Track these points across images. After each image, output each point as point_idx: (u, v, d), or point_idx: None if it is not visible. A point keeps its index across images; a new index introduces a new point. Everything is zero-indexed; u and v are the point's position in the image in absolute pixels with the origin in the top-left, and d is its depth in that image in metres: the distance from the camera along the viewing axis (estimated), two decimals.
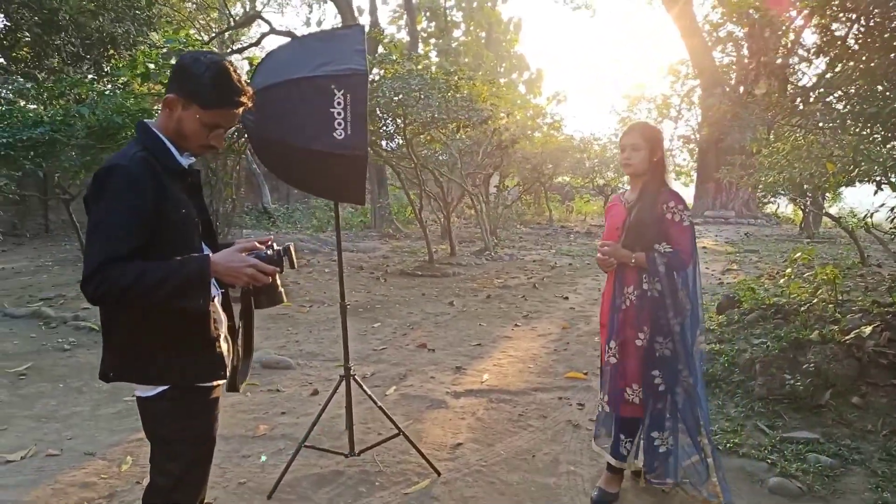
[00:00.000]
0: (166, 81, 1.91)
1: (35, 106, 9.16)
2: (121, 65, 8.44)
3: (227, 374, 1.98)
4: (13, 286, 8.25)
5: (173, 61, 6.87)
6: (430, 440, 3.72)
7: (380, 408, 3.34)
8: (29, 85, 9.46)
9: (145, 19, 12.93)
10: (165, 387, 1.83)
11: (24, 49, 12.80)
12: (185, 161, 1.90)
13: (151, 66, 7.51)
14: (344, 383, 3.26)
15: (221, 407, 2.05)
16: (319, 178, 3.01)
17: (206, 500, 2.03)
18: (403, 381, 4.80)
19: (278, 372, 4.99)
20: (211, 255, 1.79)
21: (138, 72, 7.45)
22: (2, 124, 6.94)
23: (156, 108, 7.19)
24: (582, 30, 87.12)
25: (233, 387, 2.10)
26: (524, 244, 14.33)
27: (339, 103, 2.81)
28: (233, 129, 2.49)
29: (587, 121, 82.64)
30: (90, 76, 12.48)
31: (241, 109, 1.88)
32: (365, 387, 3.32)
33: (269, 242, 1.91)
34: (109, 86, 10.59)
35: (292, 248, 1.92)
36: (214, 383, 1.95)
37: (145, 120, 1.90)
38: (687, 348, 2.83)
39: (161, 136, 1.84)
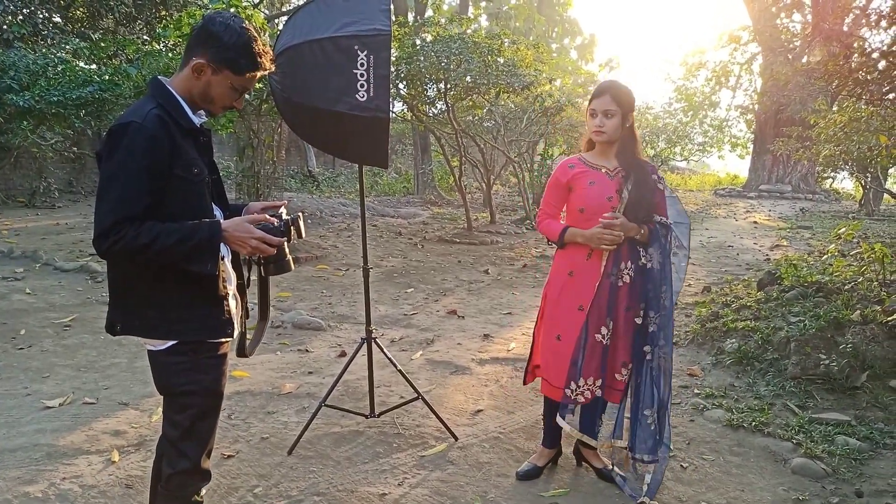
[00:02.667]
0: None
1: (89, 66, 9.42)
2: (169, 25, 8.56)
3: (235, 332, 2.01)
4: (66, 241, 8.58)
5: None
6: (450, 405, 3.75)
7: (399, 371, 3.36)
8: (83, 45, 9.67)
9: None
10: (174, 341, 1.87)
11: (80, 9, 13.07)
12: (198, 120, 1.92)
13: None
14: (365, 346, 3.30)
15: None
16: (342, 139, 3.00)
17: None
18: (430, 347, 4.83)
19: (309, 333, 5.09)
20: (221, 222, 1.85)
21: (184, 32, 7.54)
22: (54, 83, 7.15)
23: None
24: None
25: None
26: None
27: (362, 64, 2.78)
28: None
29: (641, 89, 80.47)
30: (143, 37, 12.71)
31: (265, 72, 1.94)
32: (386, 350, 3.34)
33: (279, 212, 1.95)
34: (159, 46, 10.79)
35: (301, 219, 1.96)
36: (222, 340, 1.98)
37: (159, 77, 1.92)
38: (672, 321, 2.75)
39: (176, 94, 1.86)
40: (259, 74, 1.92)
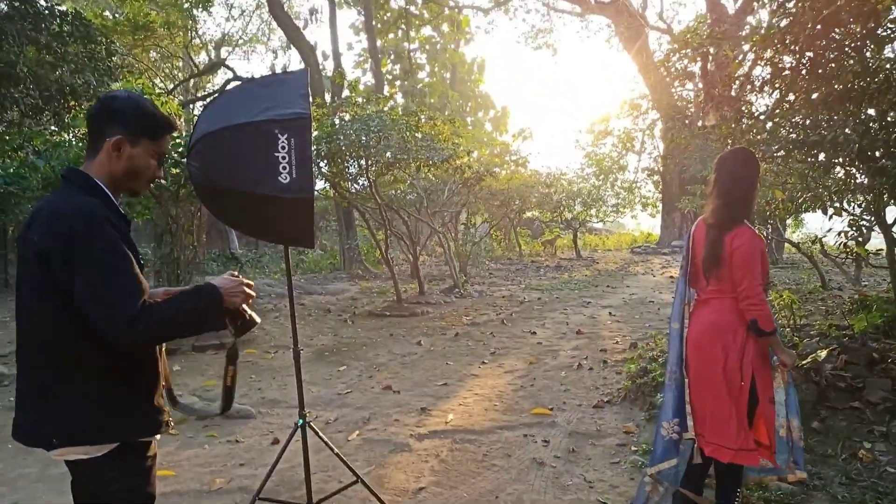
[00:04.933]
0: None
1: None
2: (79, 115, 8.38)
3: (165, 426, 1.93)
4: None
5: None
6: (391, 485, 3.64)
7: (337, 455, 3.26)
8: None
9: (105, 70, 12.85)
10: (114, 445, 1.77)
11: None
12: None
13: None
14: (300, 432, 3.18)
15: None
16: (267, 222, 2.98)
17: None
18: (367, 425, 4.71)
19: (238, 422, 4.87)
20: (209, 281, 1.93)
21: None
22: None
23: None
24: (546, 68, 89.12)
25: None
26: (494, 280, 14.35)
27: (283, 147, 2.79)
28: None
29: (554, 156, 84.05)
30: (51, 127, 12.34)
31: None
32: (322, 434, 3.23)
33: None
34: (68, 136, 10.49)
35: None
36: (155, 438, 1.91)
37: (76, 168, 1.87)
38: None
39: (104, 187, 1.82)
40: (169, 138, 1.96)
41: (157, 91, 8.54)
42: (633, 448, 4.06)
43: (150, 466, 1.90)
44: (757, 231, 2.86)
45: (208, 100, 18.25)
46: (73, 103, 12.74)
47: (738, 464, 2.81)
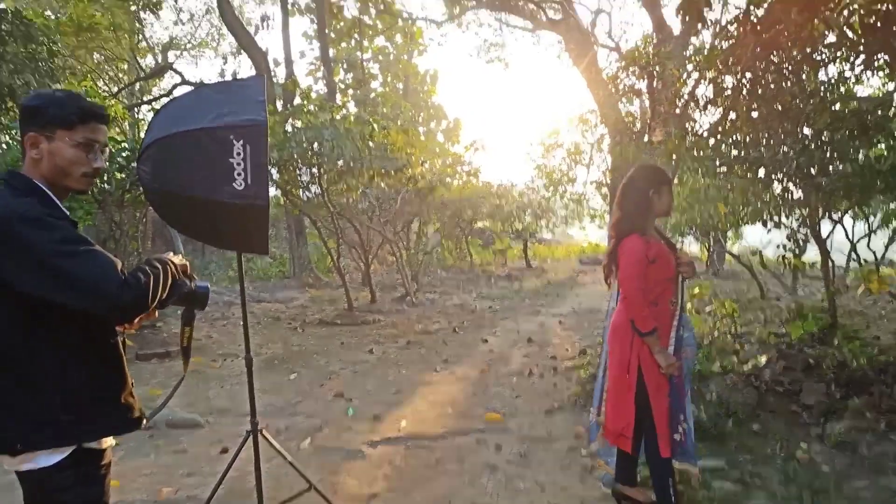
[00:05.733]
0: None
1: None
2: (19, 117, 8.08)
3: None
4: None
5: None
6: (345, 492, 3.63)
7: (290, 462, 3.23)
8: None
9: (47, 71, 12.40)
10: (71, 449, 1.73)
11: None
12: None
13: None
14: (251, 440, 3.15)
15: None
16: (221, 229, 2.95)
17: None
18: (319, 433, 4.68)
19: (185, 431, 4.76)
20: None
21: None
22: None
23: None
24: (498, 81, 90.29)
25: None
26: (445, 289, 14.41)
27: (238, 153, 2.77)
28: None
29: (505, 167, 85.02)
30: None
31: (105, 125, 1.87)
32: (273, 441, 3.21)
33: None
34: (6, 138, 10.09)
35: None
36: (109, 443, 1.88)
37: (15, 170, 1.82)
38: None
39: (43, 187, 1.77)
40: (101, 126, 1.83)
41: (102, 94, 8.30)
42: (583, 452, 4.15)
43: (105, 475, 1.87)
44: (649, 240, 3.05)
45: (154, 104, 17.86)
46: (11, 104, 12.29)
47: (665, 456, 3.04)
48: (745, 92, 5.09)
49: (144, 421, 1.92)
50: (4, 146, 7.67)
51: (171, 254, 1.98)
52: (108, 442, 1.88)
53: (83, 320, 1.73)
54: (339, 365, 7.00)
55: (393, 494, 3.60)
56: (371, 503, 3.50)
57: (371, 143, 9.12)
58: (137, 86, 20.98)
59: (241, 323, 3.28)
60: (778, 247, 5.61)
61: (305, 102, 10.65)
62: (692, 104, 6.66)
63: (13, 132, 9.86)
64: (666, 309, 3.05)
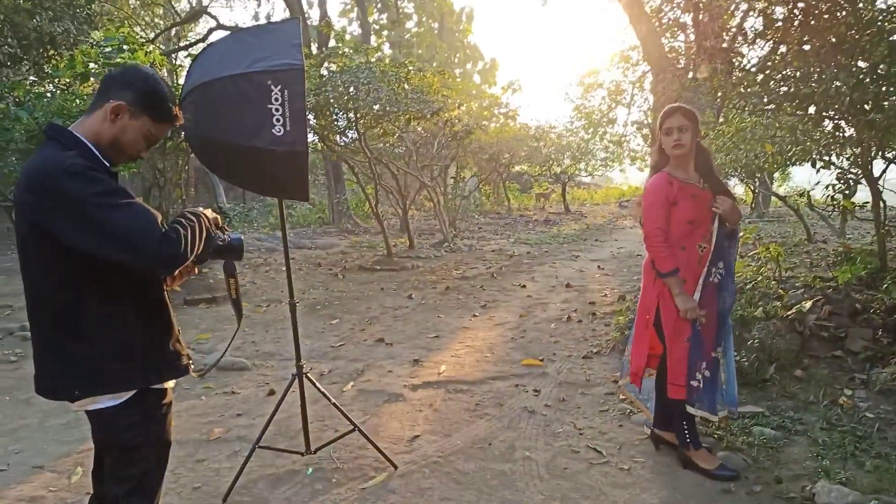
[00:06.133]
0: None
1: None
2: (60, 65, 8.16)
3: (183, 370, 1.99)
4: None
5: (118, 60, 6.71)
6: (386, 434, 3.73)
7: (334, 404, 3.33)
8: None
9: (85, 17, 12.49)
10: (132, 392, 1.82)
11: None
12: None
13: (92, 65, 7.29)
14: (297, 382, 3.24)
15: (176, 412, 2.07)
16: (261, 175, 2.96)
17: None
18: (361, 377, 4.79)
19: (234, 374, 4.93)
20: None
21: (78, 72, 7.22)
22: None
23: None
24: (535, 18, 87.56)
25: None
26: (483, 234, 14.39)
27: (276, 99, 2.76)
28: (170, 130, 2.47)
29: (543, 109, 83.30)
30: (31, 78, 12.03)
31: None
32: (318, 384, 3.30)
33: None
34: (51, 87, 10.23)
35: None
36: (170, 385, 1.98)
37: (58, 123, 1.85)
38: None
39: (87, 141, 1.79)
40: (169, 127, 1.96)
41: (140, 40, 8.31)
42: (621, 396, 4.16)
43: (166, 413, 1.96)
44: (672, 181, 3.01)
45: (191, 49, 17.85)
46: (52, 52, 12.42)
47: (675, 398, 3.08)
48: (796, 23, 4.83)
49: (191, 369, 1.99)
50: (49, 95, 7.74)
51: (202, 207, 2.01)
52: (169, 383, 1.98)
53: (131, 274, 1.78)
54: (380, 310, 7.11)
55: (434, 437, 3.69)
56: (413, 444, 3.59)
57: (407, 86, 8.99)
58: (173, 31, 20.96)
59: (284, 269, 3.34)
60: (827, 187, 5.40)
61: (340, 45, 10.51)
62: (740, 38, 6.37)
63: (58, 80, 10.00)
64: (693, 253, 3.00)
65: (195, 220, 1.84)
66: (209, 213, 1.99)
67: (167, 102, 1.88)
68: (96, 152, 1.80)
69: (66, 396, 1.79)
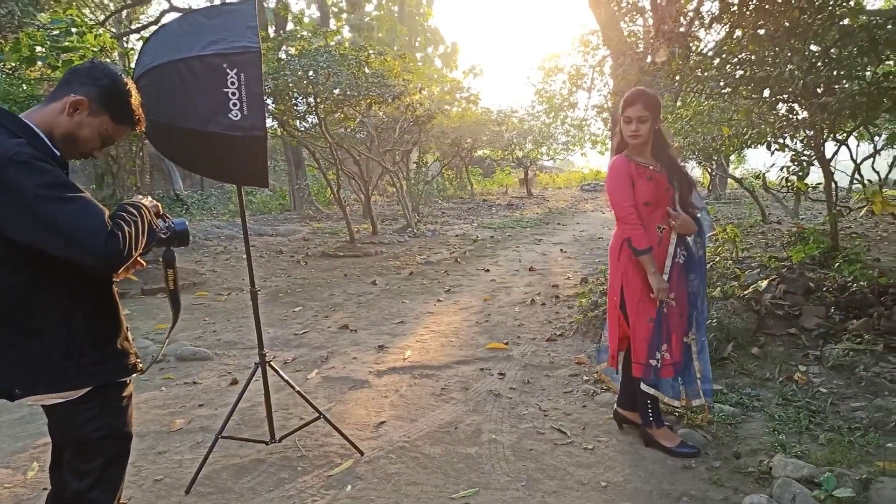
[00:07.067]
0: (61, 70, 1.83)
1: None
2: (5, 49, 7.83)
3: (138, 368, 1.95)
4: None
5: (66, 44, 6.47)
6: (352, 420, 3.72)
7: (298, 392, 3.30)
8: None
9: None
10: (87, 389, 1.78)
11: None
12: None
13: (38, 49, 7.02)
14: (260, 371, 3.19)
15: (136, 404, 2.03)
16: (218, 161, 2.89)
17: (121, 502, 2.02)
18: (325, 364, 4.76)
19: (195, 363, 4.85)
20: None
21: (24, 55, 6.94)
22: None
23: (44, 95, 6.75)
24: (496, 2, 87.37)
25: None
26: (446, 219, 14.39)
27: (232, 83, 2.69)
28: None
29: (504, 94, 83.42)
30: None
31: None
32: (282, 372, 3.26)
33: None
34: None
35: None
36: (128, 379, 1.94)
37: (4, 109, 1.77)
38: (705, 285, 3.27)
39: (37, 130, 1.72)
40: (127, 132, 1.92)
41: (89, 23, 7.98)
42: (584, 378, 4.23)
43: (127, 406, 1.92)
44: (631, 162, 3.07)
45: (144, 32, 17.31)
46: None
47: (636, 377, 3.14)
48: (751, 7, 4.91)
49: (139, 367, 1.95)
50: None
51: (140, 196, 1.96)
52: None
53: (81, 269, 1.72)
54: (343, 297, 7.06)
55: (400, 422, 3.69)
56: (379, 430, 3.59)
57: (367, 70, 8.89)
58: (124, 13, 20.27)
59: (244, 257, 3.28)
60: (781, 169, 5.54)
61: (298, 28, 10.32)
62: (697, 21, 6.44)
63: (2, 64, 9.61)
64: (654, 235, 3.05)
65: (137, 213, 1.77)
66: (148, 202, 1.93)
67: (128, 107, 1.83)
68: (48, 142, 1.72)
69: (3, 395, 1.73)
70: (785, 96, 5.31)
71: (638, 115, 3.00)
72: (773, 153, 5.69)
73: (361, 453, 3.27)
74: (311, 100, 9.02)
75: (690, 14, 7.71)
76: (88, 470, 1.84)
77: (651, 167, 3.08)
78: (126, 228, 1.65)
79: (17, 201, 1.56)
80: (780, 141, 5.62)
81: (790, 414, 3.44)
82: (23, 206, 1.56)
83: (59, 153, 1.74)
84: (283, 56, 9.45)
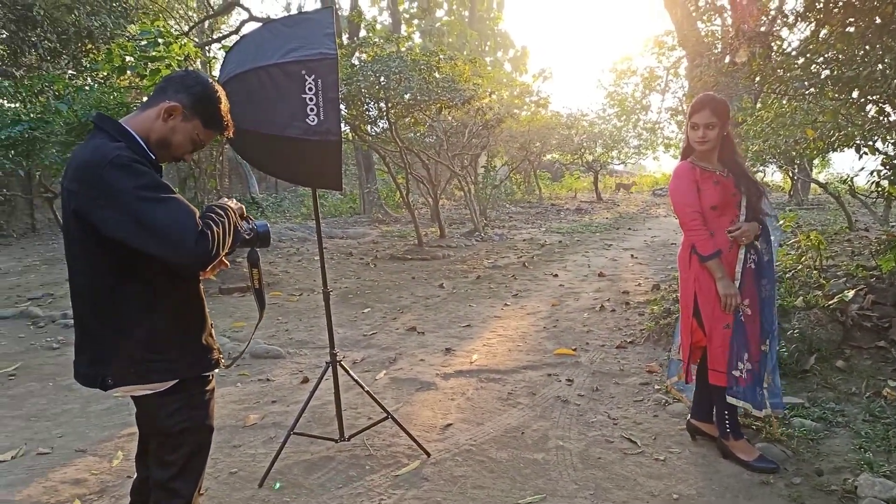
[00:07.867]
0: (149, 79, 1.94)
1: (14, 104, 9.04)
2: (98, 59, 8.32)
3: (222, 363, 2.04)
4: (1, 287, 8.21)
5: (153, 53, 6.81)
6: (419, 422, 3.75)
7: (367, 392, 3.35)
8: (6, 83, 9.32)
9: (121, 11, 12.73)
10: (173, 381, 1.86)
11: (0, 47, 12.61)
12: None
13: (128, 58, 7.42)
14: (331, 370, 3.27)
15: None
16: (295, 165, 2.99)
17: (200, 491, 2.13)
18: (393, 365, 4.82)
19: (268, 361, 5.00)
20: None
21: (115, 65, 7.35)
22: None
23: (135, 103, 7.13)
24: (566, 5, 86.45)
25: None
26: (514, 223, 14.33)
27: (310, 88, 2.78)
28: None
29: (575, 97, 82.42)
30: (69, 72, 12.31)
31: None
32: (352, 372, 3.32)
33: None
34: (89, 80, 10.45)
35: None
36: (210, 374, 2.01)
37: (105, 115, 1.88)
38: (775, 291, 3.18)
39: (135, 134, 1.82)
40: (215, 136, 1.99)
41: (175, 33, 8.40)
42: (656, 387, 4.12)
43: (209, 400, 2.00)
44: (695, 167, 3.00)
45: (225, 41, 18.02)
46: (90, 46, 12.68)
47: (715, 384, 3.06)
48: (840, 4, 4.67)
49: (222, 363, 2.02)
50: (87, 88, 7.90)
51: (226, 199, 2.03)
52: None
53: (168, 267, 1.80)
54: (411, 299, 7.13)
55: (466, 425, 3.69)
56: (446, 432, 3.60)
57: (438, 75, 8.96)
58: (206, 23, 21.18)
59: (316, 258, 3.36)
60: (871, 173, 5.24)
61: (371, 34, 10.51)
62: (780, 20, 6.18)
63: (96, 74, 10.19)
64: (724, 240, 2.97)
65: (224, 215, 1.85)
66: (233, 204, 2.01)
67: (219, 113, 1.91)
68: (144, 146, 1.83)
69: (98, 384, 1.82)
70: (875, 97, 5.03)
71: (706, 121, 2.94)
72: (861, 156, 5.40)
73: (428, 455, 3.29)
74: (382, 105, 9.17)
75: (773, 12, 7.42)
76: (172, 460, 1.92)
77: (718, 172, 3.01)
78: (215, 228, 1.73)
79: (117, 202, 1.64)
80: (870, 144, 5.33)
81: (878, 431, 3.25)
82: (122, 205, 1.64)
83: (154, 157, 1.84)
84: (356, 62, 9.65)
